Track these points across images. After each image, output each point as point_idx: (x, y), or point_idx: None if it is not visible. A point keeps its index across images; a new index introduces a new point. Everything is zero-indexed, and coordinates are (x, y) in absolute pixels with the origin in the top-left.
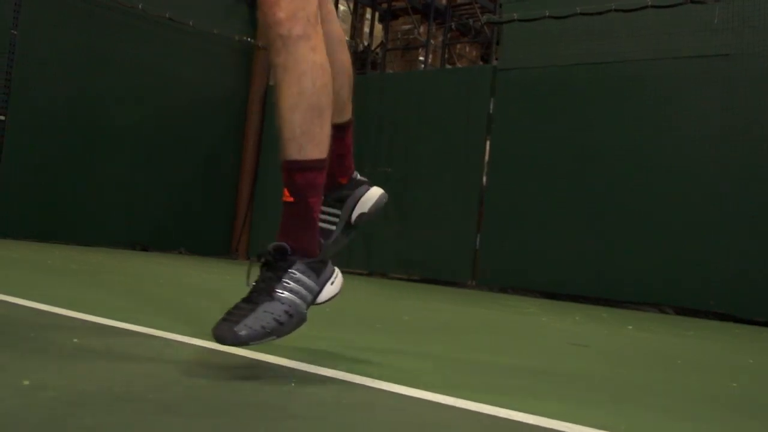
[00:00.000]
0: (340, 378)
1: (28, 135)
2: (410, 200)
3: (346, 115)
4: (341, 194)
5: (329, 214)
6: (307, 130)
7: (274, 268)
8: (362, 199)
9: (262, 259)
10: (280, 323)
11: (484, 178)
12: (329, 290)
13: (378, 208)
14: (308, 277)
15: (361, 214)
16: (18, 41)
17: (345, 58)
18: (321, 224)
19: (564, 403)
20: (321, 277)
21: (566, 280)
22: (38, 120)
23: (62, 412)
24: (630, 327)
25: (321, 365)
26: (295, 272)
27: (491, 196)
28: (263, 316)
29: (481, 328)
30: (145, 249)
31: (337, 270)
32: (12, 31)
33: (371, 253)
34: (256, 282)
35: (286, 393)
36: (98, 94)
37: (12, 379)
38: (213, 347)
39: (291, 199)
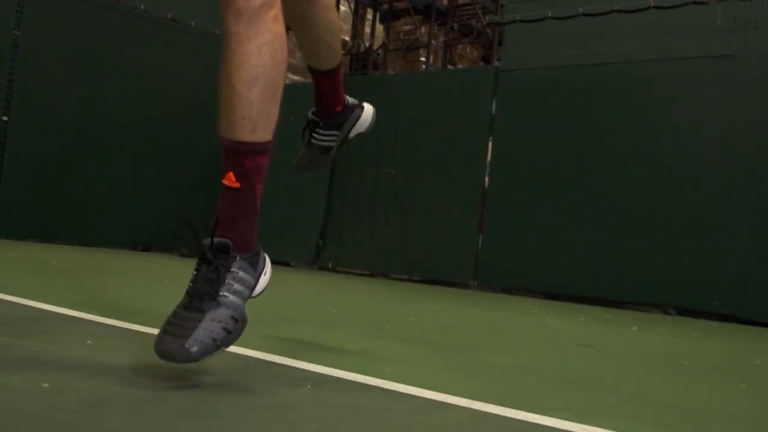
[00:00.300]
0: (354, 380)
1: (30, 135)
2: (412, 201)
3: (338, 60)
4: (339, 120)
5: (329, 135)
6: (263, 108)
7: (215, 267)
8: (359, 122)
9: (200, 255)
10: (229, 332)
11: (486, 179)
12: (263, 281)
13: (372, 126)
14: (248, 273)
15: (359, 134)
16: (20, 42)
17: (336, 18)
18: (321, 142)
19: (578, 406)
20: (257, 271)
21: (568, 281)
22: (40, 120)
23: (86, 414)
24: (635, 328)
25: (334, 367)
26: (238, 271)
27: (493, 197)
28: (212, 326)
29: (487, 329)
30: (146, 249)
31: (266, 257)
32: (14, 31)
33: (373, 254)
34: (194, 282)
35: (302, 396)
36: (100, 95)
37: (31, 382)
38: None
39: (237, 185)
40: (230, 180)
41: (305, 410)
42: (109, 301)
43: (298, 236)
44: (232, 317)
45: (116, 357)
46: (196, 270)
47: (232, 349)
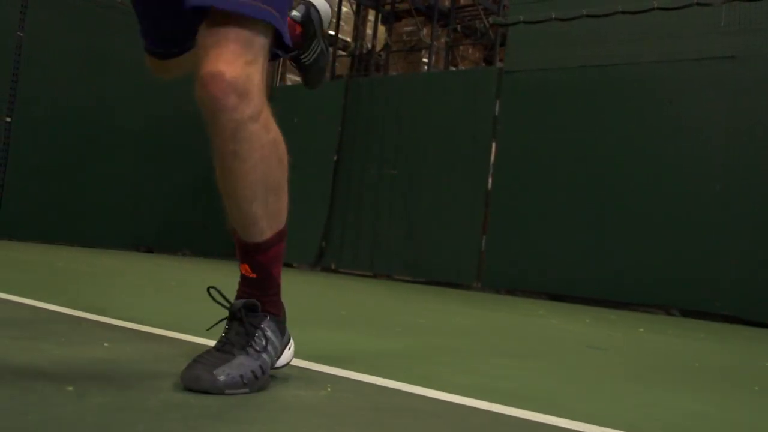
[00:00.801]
0: (373, 383)
1: (33, 136)
2: (415, 202)
3: None
4: (307, 36)
5: (313, 47)
6: (269, 211)
7: (246, 324)
8: (322, 19)
9: (231, 314)
10: (256, 377)
11: (490, 180)
12: (287, 355)
13: (331, 6)
14: (276, 336)
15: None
16: (23, 43)
17: None
18: (312, 57)
19: (599, 409)
20: (284, 339)
21: (572, 282)
22: (43, 121)
23: (114, 418)
24: (641, 329)
25: (351, 369)
26: (267, 329)
27: (497, 198)
28: (241, 368)
29: (497, 331)
30: (149, 250)
31: (290, 336)
32: (18, 33)
33: (376, 255)
34: (225, 334)
35: (324, 398)
36: (103, 96)
37: (56, 386)
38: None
39: (253, 275)
40: (246, 271)
41: (329, 413)
42: (119, 304)
43: (300, 237)
44: (261, 367)
45: (135, 360)
46: (228, 327)
47: None
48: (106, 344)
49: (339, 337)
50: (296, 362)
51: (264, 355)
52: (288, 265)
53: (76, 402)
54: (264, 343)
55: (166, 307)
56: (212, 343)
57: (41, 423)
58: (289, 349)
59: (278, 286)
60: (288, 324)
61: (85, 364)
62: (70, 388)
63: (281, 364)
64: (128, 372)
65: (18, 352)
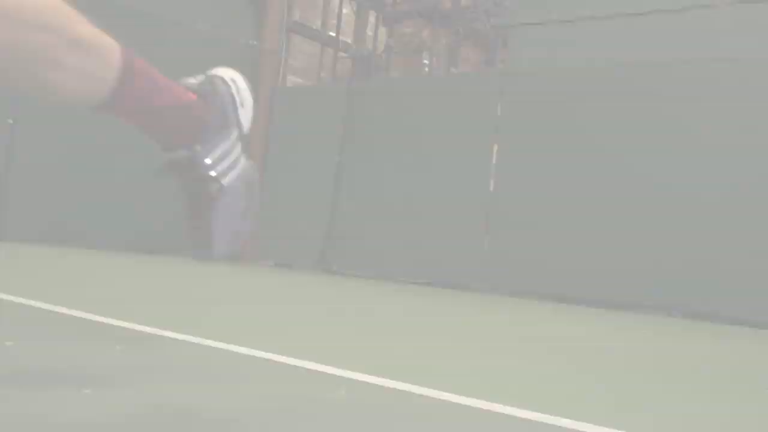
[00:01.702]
0: (384, 385)
1: (36, 138)
2: (417, 203)
3: None
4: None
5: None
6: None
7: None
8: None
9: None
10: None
11: (492, 182)
12: (246, 116)
13: None
14: (223, 141)
15: None
16: None
17: None
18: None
19: (602, 408)
20: (228, 124)
21: (574, 283)
22: (47, 123)
23: (136, 422)
24: (644, 331)
25: (362, 372)
26: (210, 158)
27: (499, 200)
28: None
29: (500, 332)
30: (150, 252)
31: (220, 78)
32: None
33: (378, 256)
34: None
35: (340, 401)
36: None
37: (74, 388)
38: (257, 355)
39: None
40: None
41: (351, 417)
42: (126, 305)
43: (302, 238)
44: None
45: (148, 362)
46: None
47: (263, 355)
48: (118, 347)
49: (346, 338)
50: (308, 364)
51: (232, 174)
52: (289, 266)
53: (96, 405)
54: (219, 166)
55: (172, 308)
56: (228, 346)
57: (65, 426)
58: (243, 106)
59: (158, 80)
60: (298, 327)
61: (99, 366)
62: (88, 391)
63: (247, 126)
64: (143, 375)
65: (33, 354)
